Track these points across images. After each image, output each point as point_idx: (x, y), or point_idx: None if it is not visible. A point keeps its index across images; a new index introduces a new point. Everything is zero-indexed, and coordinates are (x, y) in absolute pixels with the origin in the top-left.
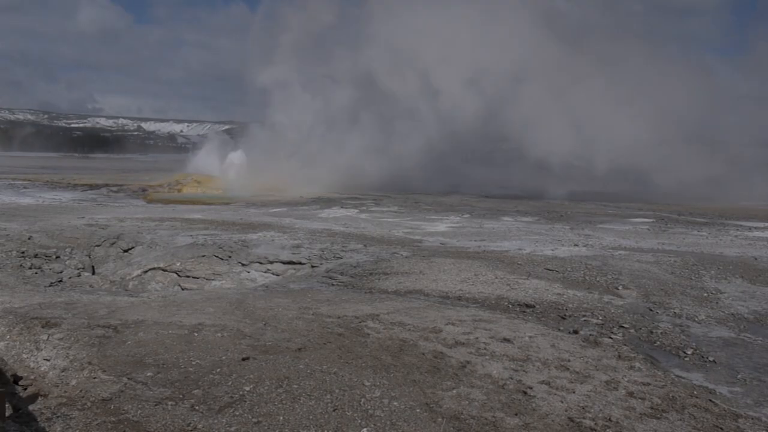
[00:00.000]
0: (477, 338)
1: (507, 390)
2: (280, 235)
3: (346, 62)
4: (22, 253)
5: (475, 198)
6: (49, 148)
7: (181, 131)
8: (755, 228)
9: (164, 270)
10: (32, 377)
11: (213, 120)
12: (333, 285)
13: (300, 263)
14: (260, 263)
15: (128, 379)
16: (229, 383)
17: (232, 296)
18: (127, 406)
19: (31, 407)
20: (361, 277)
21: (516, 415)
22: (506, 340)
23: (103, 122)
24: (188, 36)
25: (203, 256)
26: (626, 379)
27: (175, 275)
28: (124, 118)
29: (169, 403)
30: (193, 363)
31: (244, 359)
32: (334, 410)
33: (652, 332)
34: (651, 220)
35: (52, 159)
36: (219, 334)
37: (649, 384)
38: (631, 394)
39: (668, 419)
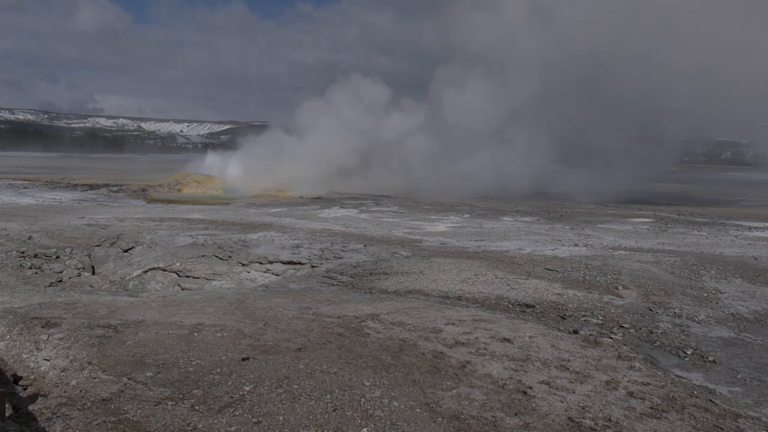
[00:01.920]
0: (477, 338)
1: (507, 390)
2: (280, 235)
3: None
4: (22, 253)
5: (476, 198)
6: (49, 148)
7: (181, 131)
8: (755, 228)
9: (164, 270)
10: (32, 377)
11: (213, 120)
12: (333, 285)
13: (300, 263)
14: (260, 263)
15: (128, 379)
16: (229, 383)
17: (232, 296)
18: (127, 406)
19: (31, 407)
20: (361, 277)
21: (516, 415)
22: (506, 340)
23: (103, 122)
24: (188, 36)
25: (203, 256)
26: (626, 379)
27: (175, 275)
28: (124, 118)
29: (169, 403)
30: (193, 363)
31: (244, 359)
32: (334, 410)
33: (652, 332)
34: (651, 220)
35: (52, 159)
36: (219, 334)
37: (649, 384)
38: (631, 394)
39: (668, 419)
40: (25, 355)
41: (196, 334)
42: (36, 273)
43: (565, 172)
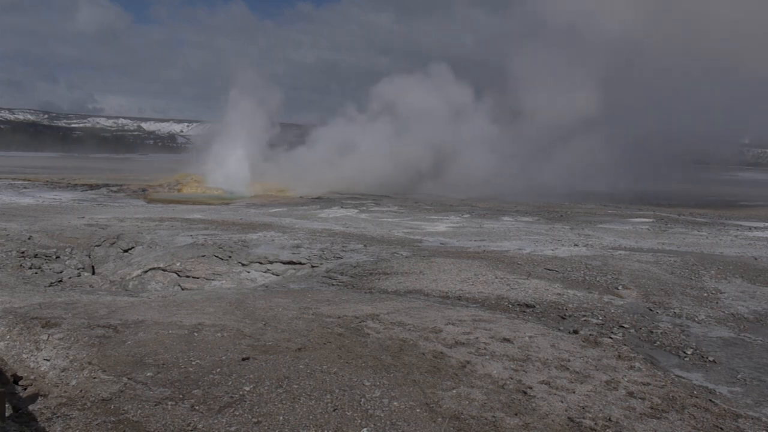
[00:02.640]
0: (477, 338)
1: (507, 390)
2: (280, 235)
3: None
4: (22, 253)
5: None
6: (49, 148)
7: (181, 131)
8: (755, 228)
9: (164, 270)
10: (32, 377)
11: (213, 120)
12: (333, 285)
13: (300, 263)
14: (260, 263)
15: (128, 379)
16: (229, 383)
17: (232, 296)
18: (127, 406)
19: (31, 407)
20: (361, 277)
21: (516, 415)
22: (506, 340)
23: (103, 122)
24: (188, 36)
25: (203, 256)
26: (626, 379)
27: (175, 275)
28: (124, 118)
29: (169, 403)
30: (193, 363)
31: (244, 359)
32: (334, 410)
33: (652, 332)
34: (651, 220)
35: (52, 159)
36: (219, 334)
37: (649, 384)
38: (631, 394)
39: (668, 419)
40: (25, 355)
41: (196, 334)
42: (36, 273)
43: (668, 172)
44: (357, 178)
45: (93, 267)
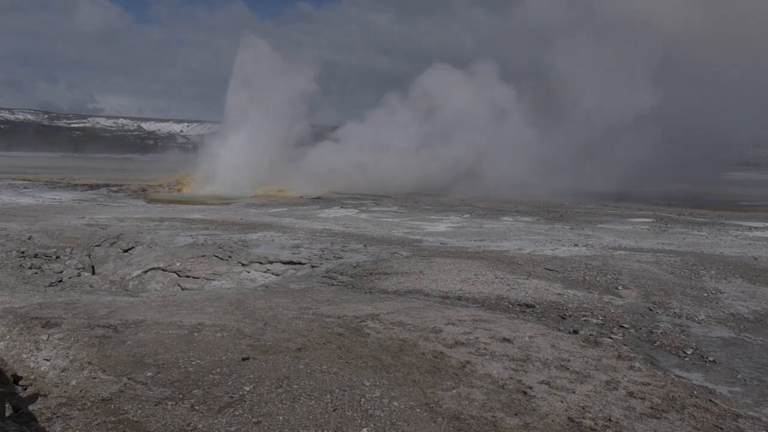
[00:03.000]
0: (477, 338)
1: (507, 390)
2: (280, 235)
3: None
4: (22, 253)
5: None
6: (49, 148)
7: (181, 131)
8: (755, 228)
9: (164, 270)
10: (32, 377)
11: (213, 120)
12: (333, 285)
13: (300, 263)
14: (260, 263)
15: (128, 379)
16: (229, 383)
17: (232, 296)
18: (127, 406)
19: (31, 407)
20: (361, 277)
21: (516, 415)
22: (506, 340)
23: (103, 122)
24: (188, 36)
25: (203, 256)
26: (626, 379)
27: (175, 275)
28: (124, 118)
29: (169, 403)
30: (193, 363)
31: (244, 359)
32: (334, 410)
33: (652, 332)
34: (651, 220)
35: (52, 159)
36: (219, 334)
37: (649, 384)
38: (631, 394)
39: (668, 419)
40: (25, 355)
41: (196, 334)
42: (36, 273)
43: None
44: (387, 179)
45: (93, 267)
